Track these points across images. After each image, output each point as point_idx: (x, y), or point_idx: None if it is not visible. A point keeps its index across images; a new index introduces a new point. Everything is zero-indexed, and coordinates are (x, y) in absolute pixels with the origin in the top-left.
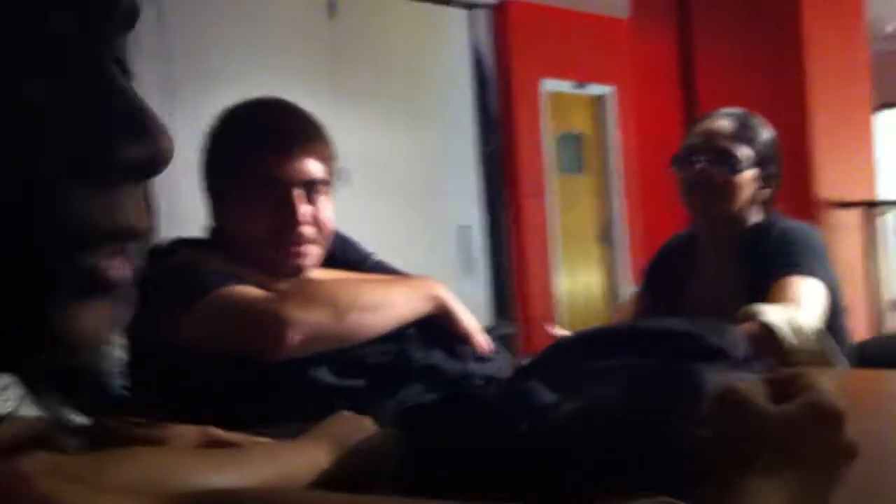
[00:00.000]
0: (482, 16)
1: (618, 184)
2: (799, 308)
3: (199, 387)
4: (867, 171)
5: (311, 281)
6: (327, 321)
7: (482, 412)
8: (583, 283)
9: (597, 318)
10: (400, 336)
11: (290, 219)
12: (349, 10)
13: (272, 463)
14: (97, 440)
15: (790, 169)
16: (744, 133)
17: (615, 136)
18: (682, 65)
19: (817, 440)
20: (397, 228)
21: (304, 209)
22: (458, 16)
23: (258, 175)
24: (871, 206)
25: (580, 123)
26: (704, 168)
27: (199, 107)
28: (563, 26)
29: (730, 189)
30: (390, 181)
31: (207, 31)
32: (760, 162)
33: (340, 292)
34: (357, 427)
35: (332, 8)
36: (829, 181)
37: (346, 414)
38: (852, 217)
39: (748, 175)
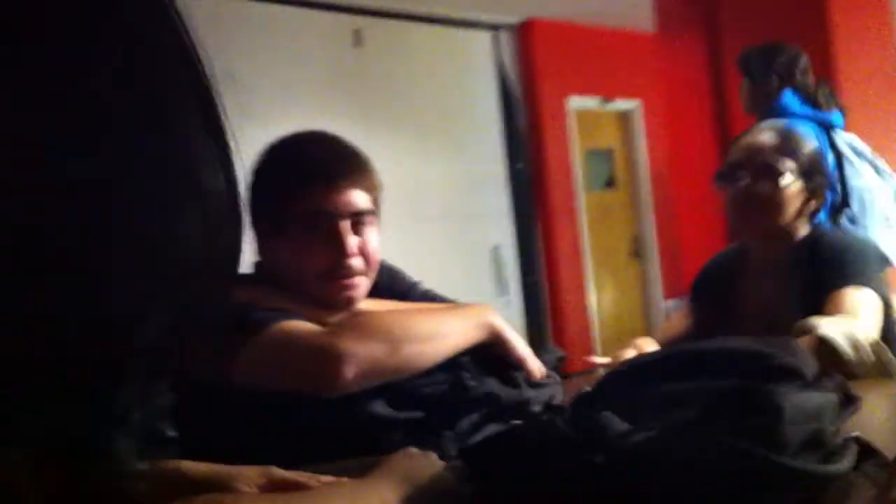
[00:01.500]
0: (506, 36)
1: (648, 198)
2: (855, 320)
3: (254, 426)
4: None
5: (363, 313)
6: (383, 354)
7: (555, 443)
8: (615, 300)
9: (631, 334)
10: (454, 365)
11: (339, 251)
12: (374, 38)
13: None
14: (152, 485)
15: None
16: (786, 146)
17: (643, 150)
18: (711, 77)
19: None
20: (431, 253)
21: (352, 241)
22: (482, 38)
23: (305, 209)
24: None
25: (608, 139)
26: (749, 184)
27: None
28: (588, 43)
29: (776, 203)
30: (422, 206)
31: (234, 64)
32: (804, 174)
33: (394, 324)
34: (423, 463)
35: (357, 36)
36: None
37: (412, 450)
38: None
39: (794, 188)
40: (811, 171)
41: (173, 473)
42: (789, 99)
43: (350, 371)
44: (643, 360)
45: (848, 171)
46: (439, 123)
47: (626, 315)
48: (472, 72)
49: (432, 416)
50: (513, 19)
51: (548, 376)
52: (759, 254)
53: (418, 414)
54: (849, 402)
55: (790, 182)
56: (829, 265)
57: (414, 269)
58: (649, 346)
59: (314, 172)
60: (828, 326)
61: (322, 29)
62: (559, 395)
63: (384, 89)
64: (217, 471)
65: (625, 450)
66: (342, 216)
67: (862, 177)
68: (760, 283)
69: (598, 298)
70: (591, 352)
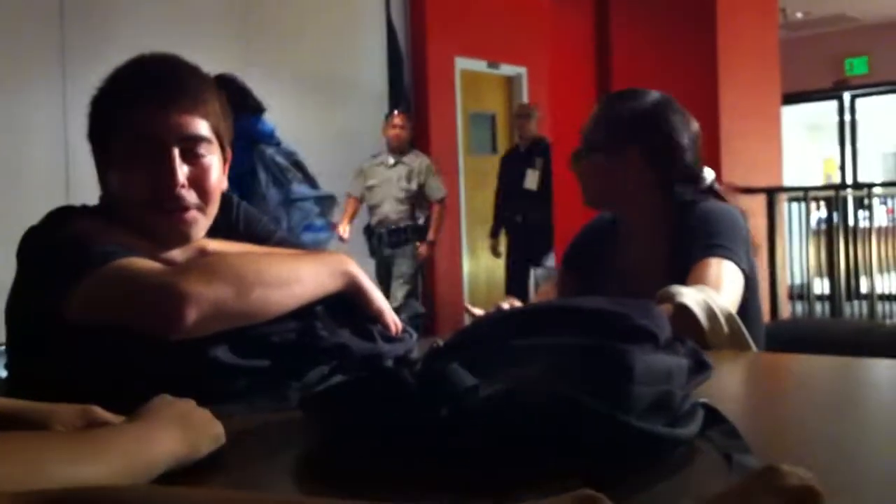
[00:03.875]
0: None
1: None
2: (714, 291)
3: (90, 367)
4: (774, 158)
5: (213, 254)
6: (230, 297)
7: (401, 394)
8: (488, 265)
9: (499, 300)
10: (307, 313)
11: (165, 180)
12: None
13: (129, 452)
14: None
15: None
16: (601, 116)
17: None
18: (598, 47)
19: None
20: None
21: (180, 169)
22: None
23: (135, 133)
24: (774, 193)
25: (493, 104)
26: (570, 163)
27: (93, 72)
28: (479, 5)
29: (594, 177)
30: (306, 154)
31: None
32: (620, 140)
33: (245, 267)
34: (193, 409)
35: None
36: (736, 165)
37: (167, 397)
38: (756, 203)
39: (613, 159)
40: (638, 137)
41: None
42: None
43: (193, 313)
44: (501, 315)
45: None
46: (324, 76)
47: (497, 280)
48: (360, 24)
49: (280, 364)
50: None
51: (404, 331)
52: (627, 222)
53: (264, 362)
54: (700, 368)
55: (592, 152)
56: (697, 234)
57: None
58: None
59: (141, 94)
60: (687, 295)
61: None
62: (416, 350)
63: (269, 36)
64: (33, 408)
65: (469, 404)
66: (170, 142)
67: None
68: (629, 251)
69: (470, 262)
70: (460, 313)
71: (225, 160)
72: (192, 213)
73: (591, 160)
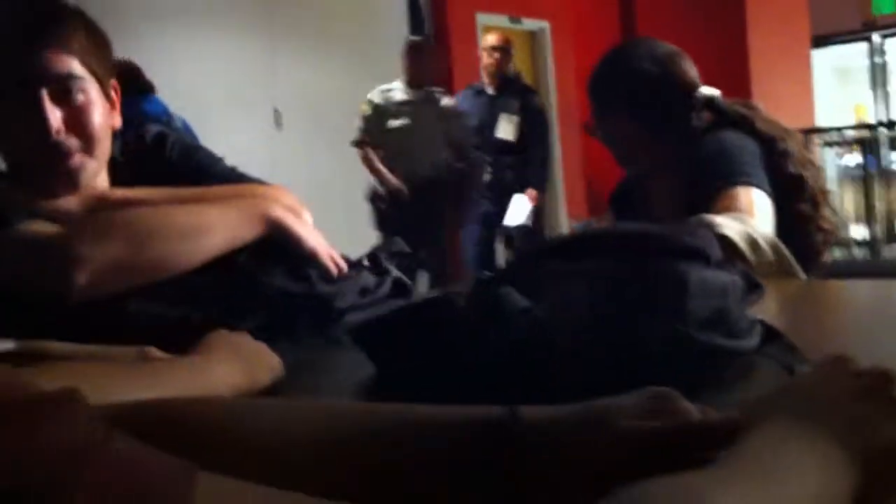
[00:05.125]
0: None
1: (553, 121)
2: (751, 219)
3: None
4: (806, 101)
5: (113, 207)
6: (125, 254)
7: (449, 318)
8: None
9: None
10: (229, 262)
11: (38, 124)
12: None
13: (187, 383)
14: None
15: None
16: (596, 75)
17: (551, 71)
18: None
19: None
20: (334, 171)
21: (52, 113)
22: None
23: (3, 77)
24: (807, 135)
25: (516, 59)
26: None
27: (114, 39)
28: None
29: (613, 140)
30: (327, 124)
31: None
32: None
33: (141, 221)
34: (249, 341)
35: None
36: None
37: (222, 331)
38: None
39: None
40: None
41: (38, 351)
42: None
43: (83, 276)
44: (553, 241)
45: None
46: (347, 41)
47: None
48: None
49: (212, 314)
50: None
51: (350, 270)
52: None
53: (196, 314)
54: (752, 288)
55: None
56: (716, 163)
57: (316, 186)
58: None
59: (11, 33)
60: (726, 225)
61: None
62: (381, 285)
63: (294, 4)
64: (88, 351)
65: (522, 325)
66: (39, 82)
67: None
68: (658, 202)
69: None
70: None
71: (108, 96)
72: (77, 159)
73: (594, 132)
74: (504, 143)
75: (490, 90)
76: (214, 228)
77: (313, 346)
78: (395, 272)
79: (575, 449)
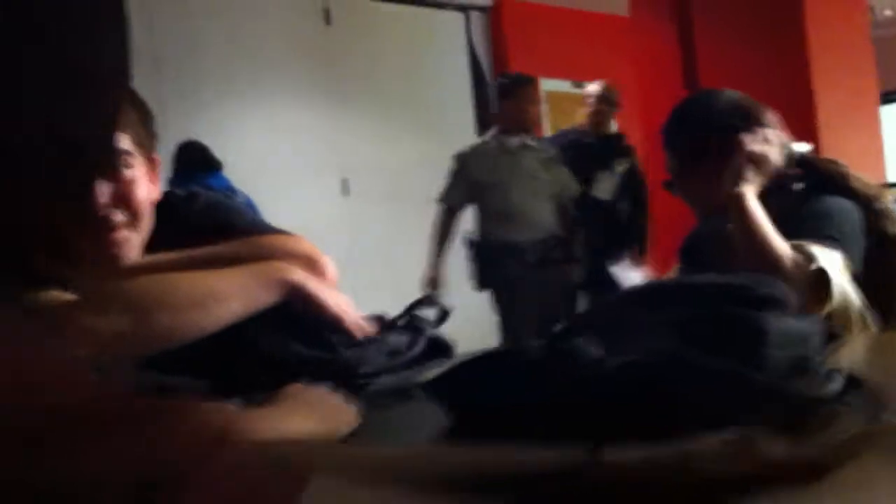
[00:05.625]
0: (477, 17)
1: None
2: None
3: None
4: (875, 155)
5: (121, 278)
6: (127, 327)
7: (523, 368)
8: None
9: None
10: (241, 329)
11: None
12: (344, 16)
13: (266, 431)
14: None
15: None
16: (675, 126)
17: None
18: (684, 61)
19: None
20: (401, 235)
21: (102, 188)
22: (453, 18)
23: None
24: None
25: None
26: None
27: (191, 115)
28: (560, 25)
29: (683, 189)
30: (392, 188)
31: (199, 38)
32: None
33: (147, 291)
34: (326, 394)
35: (327, 14)
36: None
37: (299, 384)
38: None
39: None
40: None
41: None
42: None
43: (83, 350)
44: (627, 293)
45: None
46: (410, 104)
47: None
48: (443, 53)
49: (218, 382)
50: (484, 0)
51: (383, 330)
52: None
53: (197, 383)
54: (829, 337)
55: (677, 163)
56: (814, 223)
57: (383, 251)
58: None
59: None
60: (826, 260)
61: (292, 6)
62: (414, 345)
63: (354, 69)
64: None
65: (598, 375)
66: None
67: None
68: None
69: None
70: None
71: (152, 170)
72: (122, 233)
73: (675, 189)
74: (596, 203)
75: (590, 139)
76: (228, 295)
77: (385, 401)
78: (431, 330)
79: (655, 491)
